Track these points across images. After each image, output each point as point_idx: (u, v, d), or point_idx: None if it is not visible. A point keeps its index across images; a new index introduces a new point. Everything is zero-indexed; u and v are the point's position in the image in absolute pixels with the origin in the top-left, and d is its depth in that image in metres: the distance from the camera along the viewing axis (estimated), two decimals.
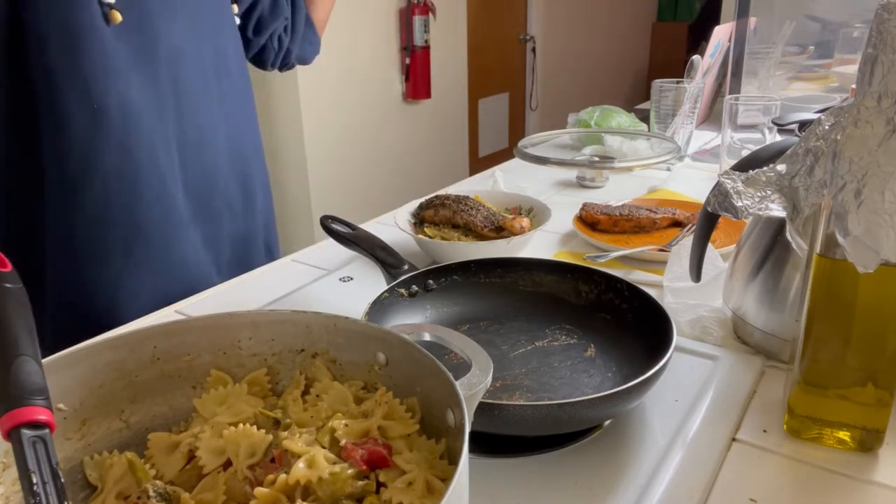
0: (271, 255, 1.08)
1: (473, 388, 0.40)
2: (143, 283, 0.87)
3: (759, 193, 0.53)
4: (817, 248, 0.49)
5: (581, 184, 1.23)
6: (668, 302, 0.73)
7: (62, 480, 0.35)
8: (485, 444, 0.52)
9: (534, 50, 4.21)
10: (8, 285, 0.40)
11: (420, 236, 0.89)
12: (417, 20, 3.07)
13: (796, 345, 0.53)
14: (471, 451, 0.36)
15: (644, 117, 1.49)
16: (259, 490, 0.38)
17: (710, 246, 0.68)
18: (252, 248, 1.04)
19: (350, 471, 0.39)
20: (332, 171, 2.93)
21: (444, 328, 0.47)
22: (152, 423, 0.47)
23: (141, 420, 0.47)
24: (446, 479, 0.39)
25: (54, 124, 0.79)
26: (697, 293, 0.74)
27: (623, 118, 1.47)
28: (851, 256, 0.45)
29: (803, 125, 1.09)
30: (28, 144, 0.81)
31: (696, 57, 1.37)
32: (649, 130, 1.39)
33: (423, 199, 0.96)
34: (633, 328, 0.65)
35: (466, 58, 3.54)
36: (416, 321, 0.69)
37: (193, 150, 0.90)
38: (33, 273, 0.83)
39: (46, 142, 0.80)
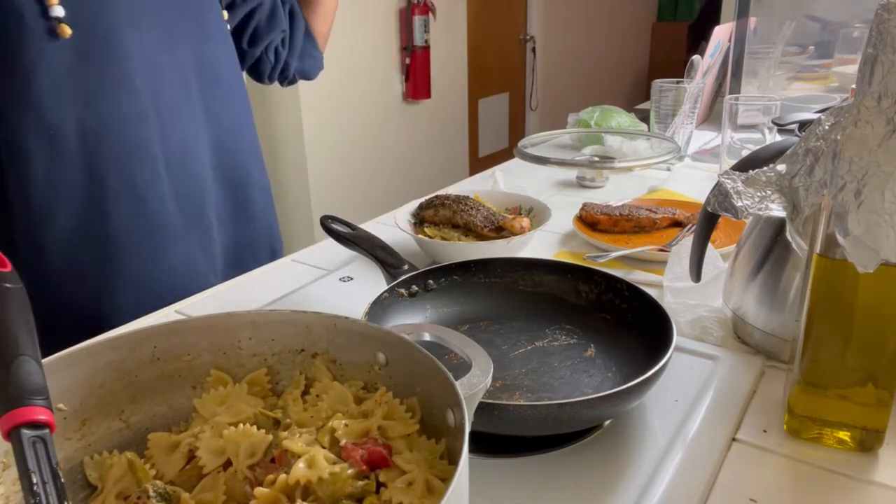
0: (276, 259, 1.07)
1: (473, 388, 0.40)
2: (126, 296, 0.86)
3: (759, 193, 0.53)
4: (817, 248, 0.49)
5: (581, 184, 1.23)
6: (668, 302, 0.73)
7: (62, 480, 0.35)
8: (485, 444, 0.52)
9: (534, 50, 4.21)
10: (8, 285, 0.40)
11: (420, 236, 0.89)
12: (417, 20, 3.07)
13: (796, 345, 0.53)
14: (471, 451, 0.36)
15: (644, 117, 1.49)
16: (259, 490, 0.38)
17: (710, 246, 0.68)
18: (252, 254, 1.02)
19: (350, 471, 0.39)
20: (332, 171, 2.93)
21: (444, 328, 0.47)
22: (152, 423, 0.47)
23: (141, 420, 0.47)
24: (446, 479, 0.39)
25: (11, 157, 0.77)
26: (697, 293, 0.74)
27: (623, 118, 1.47)
28: (851, 256, 0.45)
29: (803, 125, 1.09)
30: None
31: (696, 57, 1.37)
32: (649, 130, 1.39)
33: (423, 199, 0.96)
34: (633, 328, 0.65)
35: (466, 58, 3.54)
36: (416, 321, 0.69)
37: (179, 162, 0.88)
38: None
39: (10, 175, 0.78)
